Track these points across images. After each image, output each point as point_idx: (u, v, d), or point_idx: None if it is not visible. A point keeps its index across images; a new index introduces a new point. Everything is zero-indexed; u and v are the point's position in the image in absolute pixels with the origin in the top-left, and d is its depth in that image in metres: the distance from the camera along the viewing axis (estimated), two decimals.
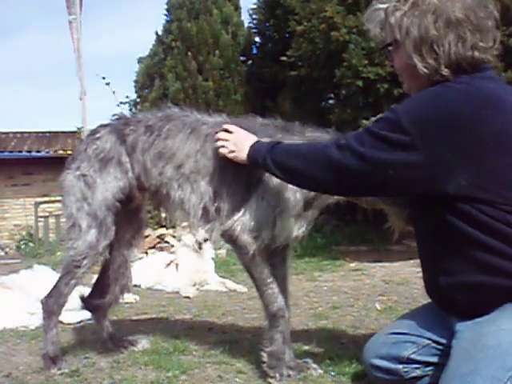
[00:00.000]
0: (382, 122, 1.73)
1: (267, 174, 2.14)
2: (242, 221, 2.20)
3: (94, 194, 2.41)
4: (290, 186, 2.12)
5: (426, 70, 1.70)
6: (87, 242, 2.38)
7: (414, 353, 1.89)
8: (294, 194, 2.18)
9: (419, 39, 1.69)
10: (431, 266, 1.86)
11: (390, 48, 1.83)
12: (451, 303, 1.80)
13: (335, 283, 4.61)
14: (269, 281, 2.25)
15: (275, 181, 2.14)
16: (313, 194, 2.19)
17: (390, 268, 5.26)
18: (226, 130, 2.18)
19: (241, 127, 2.21)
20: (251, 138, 2.11)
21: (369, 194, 2.06)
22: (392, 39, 1.79)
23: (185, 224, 4.60)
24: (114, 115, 2.68)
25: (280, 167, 1.94)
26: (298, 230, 2.27)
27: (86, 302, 2.72)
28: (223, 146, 2.16)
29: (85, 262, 2.38)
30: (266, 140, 2.09)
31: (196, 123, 2.40)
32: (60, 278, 2.43)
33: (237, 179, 2.26)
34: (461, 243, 1.70)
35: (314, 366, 2.27)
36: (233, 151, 2.13)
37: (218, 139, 2.19)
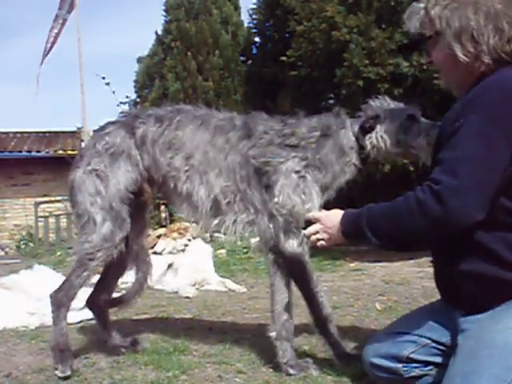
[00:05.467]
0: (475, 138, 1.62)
1: (283, 168, 2.24)
2: (280, 228, 2.25)
3: (107, 186, 2.40)
4: (308, 177, 2.24)
5: (466, 58, 1.73)
6: (102, 235, 2.36)
7: (413, 352, 1.90)
8: (313, 187, 2.25)
9: (459, 28, 1.73)
10: (443, 253, 1.84)
11: (430, 42, 1.86)
12: (457, 292, 1.79)
13: (335, 283, 4.61)
14: (317, 289, 2.33)
15: (293, 176, 2.23)
16: (329, 180, 2.30)
17: (390, 268, 5.25)
18: (310, 221, 2.00)
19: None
20: (336, 217, 1.89)
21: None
22: (432, 32, 1.82)
23: (192, 219, 4.68)
24: (121, 112, 2.73)
25: (382, 238, 1.76)
26: None
27: (94, 303, 2.68)
28: (318, 240, 1.98)
29: (99, 254, 2.36)
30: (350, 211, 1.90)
31: (206, 116, 2.45)
32: (72, 271, 2.40)
33: (249, 172, 2.31)
34: (474, 231, 1.67)
35: (314, 366, 2.28)
36: (329, 239, 1.95)
37: (310, 235, 1.98)
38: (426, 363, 1.90)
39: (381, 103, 2.36)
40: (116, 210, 2.38)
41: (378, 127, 2.29)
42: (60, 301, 2.38)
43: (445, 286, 1.90)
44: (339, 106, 2.48)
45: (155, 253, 4.87)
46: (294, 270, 2.31)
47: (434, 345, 1.89)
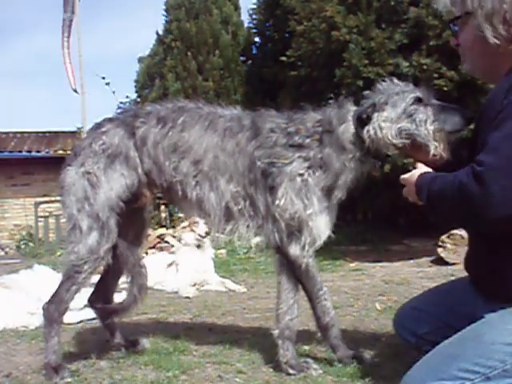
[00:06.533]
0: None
1: (288, 170, 2.17)
2: (283, 231, 2.22)
3: (96, 193, 2.28)
4: (310, 180, 2.17)
5: (496, 41, 1.69)
6: (88, 246, 2.27)
7: (426, 333, 2.03)
8: (315, 191, 2.19)
9: (492, 10, 1.68)
10: (486, 240, 1.80)
11: (458, 22, 1.81)
12: (493, 283, 1.79)
13: (335, 283, 4.61)
14: (321, 292, 2.28)
15: (297, 179, 2.17)
16: (332, 179, 2.20)
17: (390, 268, 5.25)
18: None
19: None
20: (413, 178, 1.85)
21: None
22: (462, 12, 1.77)
23: (189, 223, 4.66)
24: (118, 108, 2.61)
25: (432, 206, 1.76)
26: (330, 224, 2.27)
27: (99, 308, 2.62)
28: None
29: (86, 267, 2.27)
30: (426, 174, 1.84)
31: (213, 115, 2.33)
32: (61, 284, 2.33)
33: (256, 175, 2.24)
34: None
35: (315, 366, 2.27)
36: (417, 199, 1.89)
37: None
38: (435, 344, 1.88)
39: (387, 86, 2.14)
40: (103, 220, 2.27)
41: (376, 116, 2.08)
42: (52, 315, 2.31)
43: (479, 272, 1.89)
44: (344, 96, 2.29)
45: (205, 235, 4.81)
46: (297, 273, 2.28)
47: (448, 329, 1.89)
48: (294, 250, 2.23)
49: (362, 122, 2.12)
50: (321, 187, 2.21)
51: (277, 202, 2.19)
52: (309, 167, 2.19)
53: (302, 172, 2.19)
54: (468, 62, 1.87)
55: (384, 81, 2.18)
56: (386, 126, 2.06)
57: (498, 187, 1.48)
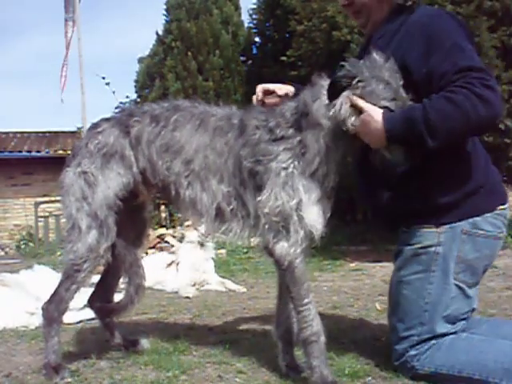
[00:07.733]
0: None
1: (273, 166, 2.06)
2: (268, 230, 2.10)
3: (94, 192, 2.28)
4: (295, 171, 2.05)
5: None
6: (87, 245, 2.26)
7: None
8: (301, 180, 2.05)
9: None
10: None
11: None
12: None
13: (335, 283, 4.61)
14: (306, 301, 2.08)
15: (282, 173, 2.05)
16: (317, 162, 2.06)
17: (390, 268, 5.20)
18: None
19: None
20: (376, 116, 1.93)
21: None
22: None
23: (192, 222, 4.65)
24: (116, 108, 2.61)
25: (442, 138, 1.89)
26: (324, 217, 2.11)
27: (97, 307, 2.61)
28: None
29: (85, 265, 2.27)
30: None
31: (204, 114, 2.30)
32: (60, 283, 2.32)
33: (244, 175, 2.16)
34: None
35: None
36: (365, 133, 1.97)
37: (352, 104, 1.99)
38: None
39: (376, 66, 1.99)
40: (102, 218, 2.27)
41: (345, 94, 1.97)
42: (51, 315, 2.30)
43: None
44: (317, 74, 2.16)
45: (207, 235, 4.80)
46: (281, 274, 2.18)
47: None
48: (280, 248, 2.08)
49: (333, 90, 1.99)
50: (307, 175, 2.07)
51: (258, 198, 2.11)
52: (292, 158, 2.08)
53: (285, 166, 2.07)
54: (363, 16, 2.29)
55: (375, 53, 2.02)
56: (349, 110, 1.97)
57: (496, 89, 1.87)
